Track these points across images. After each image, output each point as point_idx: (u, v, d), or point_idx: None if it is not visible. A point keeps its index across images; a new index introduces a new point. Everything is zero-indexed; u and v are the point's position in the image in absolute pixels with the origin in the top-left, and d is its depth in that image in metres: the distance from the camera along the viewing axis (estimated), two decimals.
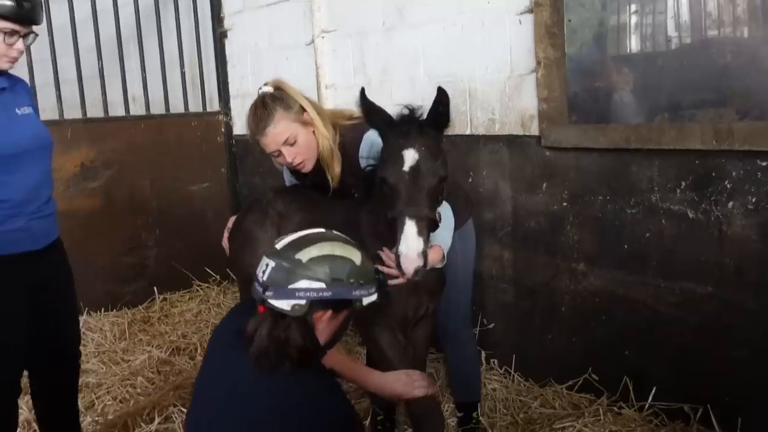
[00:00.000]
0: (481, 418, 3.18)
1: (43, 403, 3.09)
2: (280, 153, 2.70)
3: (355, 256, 1.87)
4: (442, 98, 2.20)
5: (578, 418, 3.08)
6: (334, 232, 1.97)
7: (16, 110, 2.65)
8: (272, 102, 2.66)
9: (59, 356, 3.01)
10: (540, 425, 3.12)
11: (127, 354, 4.30)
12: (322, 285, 1.78)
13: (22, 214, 2.63)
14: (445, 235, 2.60)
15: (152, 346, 4.36)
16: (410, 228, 2.12)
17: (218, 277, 5.43)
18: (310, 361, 1.83)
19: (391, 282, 2.46)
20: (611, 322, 3.20)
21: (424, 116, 2.27)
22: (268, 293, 1.78)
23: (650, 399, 3.03)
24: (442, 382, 3.61)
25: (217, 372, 1.93)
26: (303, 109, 2.69)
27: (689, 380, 2.93)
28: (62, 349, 3.01)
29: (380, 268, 2.47)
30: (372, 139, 2.66)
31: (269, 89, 2.72)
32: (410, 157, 2.17)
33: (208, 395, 1.91)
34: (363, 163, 2.69)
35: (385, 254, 2.47)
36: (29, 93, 2.82)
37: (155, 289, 5.17)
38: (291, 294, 1.77)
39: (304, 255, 1.80)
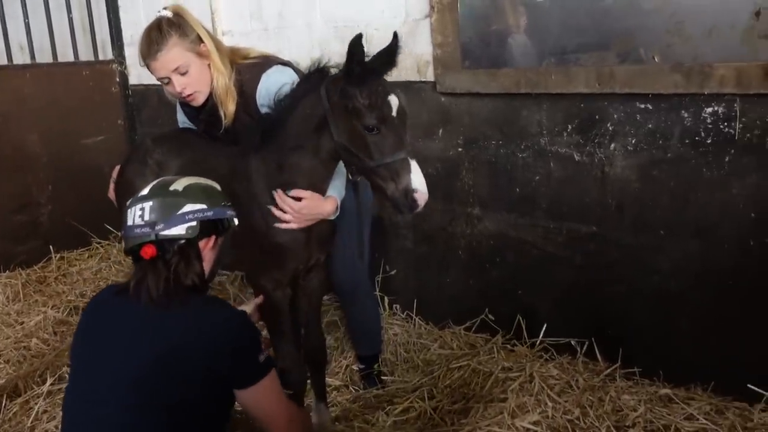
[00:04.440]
0: (382, 369, 3.24)
1: None
2: (169, 81, 2.62)
3: (215, 183, 2.04)
4: (396, 43, 2.27)
5: (474, 356, 3.17)
6: None
7: None
8: (168, 27, 2.57)
9: None
10: (438, 366, 3.20)
11: (21, 316, 4.13)
12: (204, 206, 1.91)
13: None
14: (338, 185, 2.59)
15: (48, 307, 4.20)
16: (416, 167, 2.21)
17: (120, 233, 5.23)
18: (201, 287, 1.95)
19: (283, 226, 2.45)
20: (504, 264, 3.29)
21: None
22: (159, 227, 1.86)
23: (541, 335, 3.15)
24: (344, 331, 3.64)
25: (106, 335, 1.91)
26: (200, 40, 2.61)
27: (575, 316, 3.07)
28: None
29: (274, 211, 2.44)
30: (269, 82, 2.60)
31: (168, 14, 2.62)
32: (395, 102, 2.24)
33: (99, 360, 1.89)
34: (260, 108, 2.63)
35: (279, 196, 2.42)
36: None
37: (51, 247, 4.94)
38: (182, 219, 1.88)
39: (179, 185, 1.93)
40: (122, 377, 1.81)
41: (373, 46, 3.53)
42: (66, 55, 5.11)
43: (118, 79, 5.35)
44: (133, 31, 5.25)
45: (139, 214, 1.88)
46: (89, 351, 1.94)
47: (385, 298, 3.78)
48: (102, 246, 5.16)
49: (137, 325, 1.85)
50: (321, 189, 2.49)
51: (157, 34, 2.56)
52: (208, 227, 1.92)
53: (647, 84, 2.66)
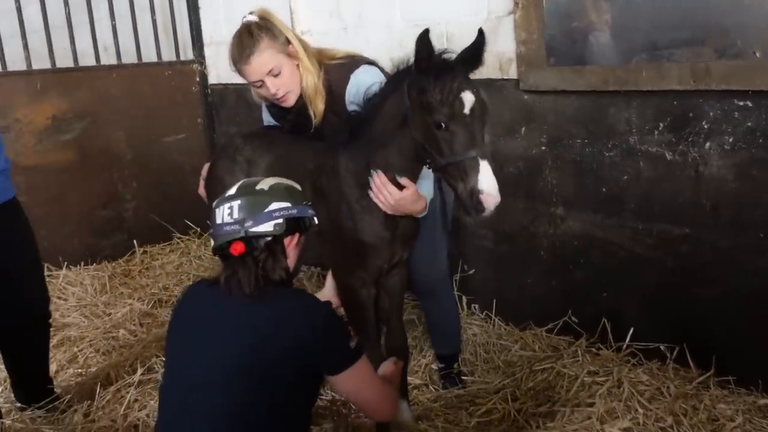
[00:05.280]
0: (462, 369, 3.21)
1: (11, 361, 3.08)
2: (262, 83, 2.66)
3: (296, 183, 2.08)
4: (482, 40, 2.22)
5: (557, 359, 3.12)
6: None
7: None
8: (258, 30, 2.61)
9: (22, 316, 2.97)
10: (520, 368, 3.16)
11: (108, 307, 4.29)
12: (289, 204, 1.96)
13: None
14: (427, 185, 2.58)
15: (134, 299, 4.35)
16: (486, 167, 2.12)
17: (199, 229, 5.38)
18: (288, 283, 2.00)
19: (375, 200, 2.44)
20: (589, 265, 3.22)
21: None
22: (248, 224, 1.91)
23: (628, 339, 3.07)
24: (423, 330, 3.63)
25: (202, 324, 1.97)
26: (288, 42, 2.65)
27: (666, 320, 2.97)
28: (25, 310, 2.97)
29: (373, 189, 2.41)
30: (358, 82, 2.62)
31: (255, 18, 2.66)
32: (469, 99, 2.15)
33: (196, 348, 1.93)
34: (348, 106, 2.64)
35: (381, 179, 2.38)
36: None
37: (135, 242, 5.14)
38: (269, 216, 1.93)
39: (264, 185, 1.98)
40: (221, 366, 1.85)
41: (454, 44, 3.51)
42: (149, 56, 5.29)
43: (198, 79, 5.50)
44: (212, 32, 5.38)
45: (227, 212, 1.94)
46: (186, 339, 2.00)
47: (463, 298, 3.76)
48: (182, 241, 5.31)
49: (232, 316, 1.90)
50: None
51: (248, 38, 2.60)
52: (292, 225, 1.96)
53: (747, 80, 2.55)
